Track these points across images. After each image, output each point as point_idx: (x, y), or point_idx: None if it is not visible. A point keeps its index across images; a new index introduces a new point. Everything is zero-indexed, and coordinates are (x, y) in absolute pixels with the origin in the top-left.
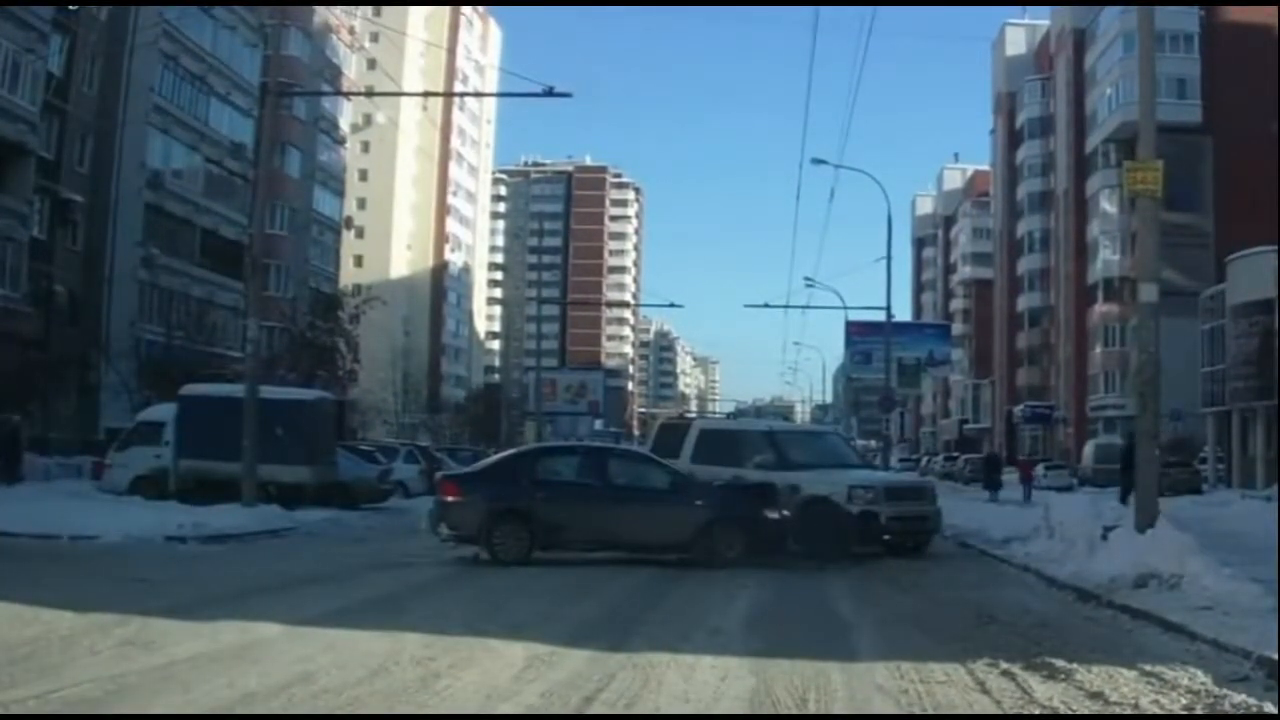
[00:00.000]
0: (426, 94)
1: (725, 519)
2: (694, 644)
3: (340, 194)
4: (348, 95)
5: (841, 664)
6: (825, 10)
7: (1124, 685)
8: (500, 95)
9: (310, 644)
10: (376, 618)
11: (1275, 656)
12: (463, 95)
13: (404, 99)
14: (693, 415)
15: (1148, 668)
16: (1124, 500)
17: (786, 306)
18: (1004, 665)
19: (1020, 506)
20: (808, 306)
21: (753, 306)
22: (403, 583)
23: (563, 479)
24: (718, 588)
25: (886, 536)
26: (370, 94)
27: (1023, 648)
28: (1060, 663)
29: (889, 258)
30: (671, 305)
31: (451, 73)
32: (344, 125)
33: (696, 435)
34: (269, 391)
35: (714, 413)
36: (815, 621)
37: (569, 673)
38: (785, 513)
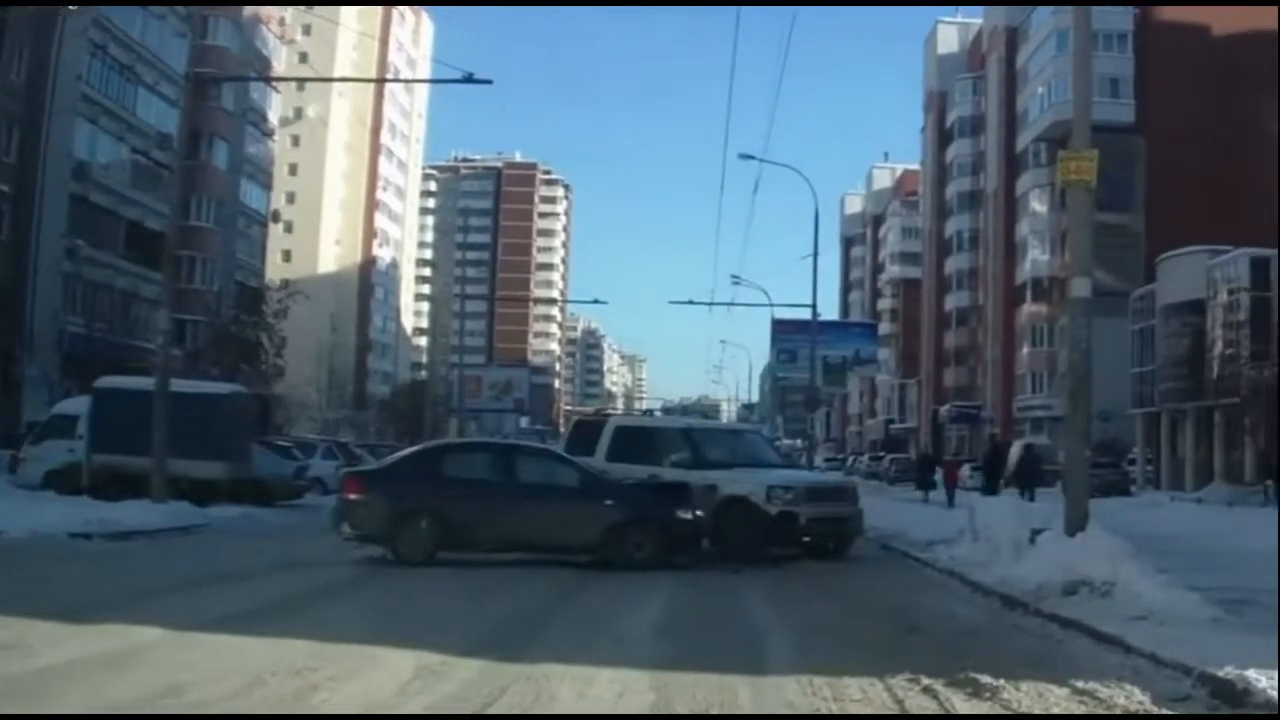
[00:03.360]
0: (344, 79)
1: (636, 519)
2: (596, 654)
3: (268, 187)
4: (267, 80)
5: (750, 678)
6: (756, 9)
7: (1054, 705)
8: (420, 81)
9: (193, 651)
10: (268, 623)
11: (1219, 673)
12: (382, 81)
13: (334, 96)
14: (609, 412)
15: (1080, 684)
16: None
17: (711, 304)
18: (925, 681)
19: (945, 509)
20: (731, 304)
21: (677, 303)
22: (304, 585)
23: (469, 477)
24: (627, 591)
25: (806, 538)
26: (288, 79)
27: (946, 661)
28: (986, 679)
29: (815, 255)
30: (596, 302)
31: (383, 66)
32: (273, 118)
33: (612, 433)
34: (182, 385)
35: (639, 411)
36: (726, 629)
37: (457, 685)
38: (700, 513)
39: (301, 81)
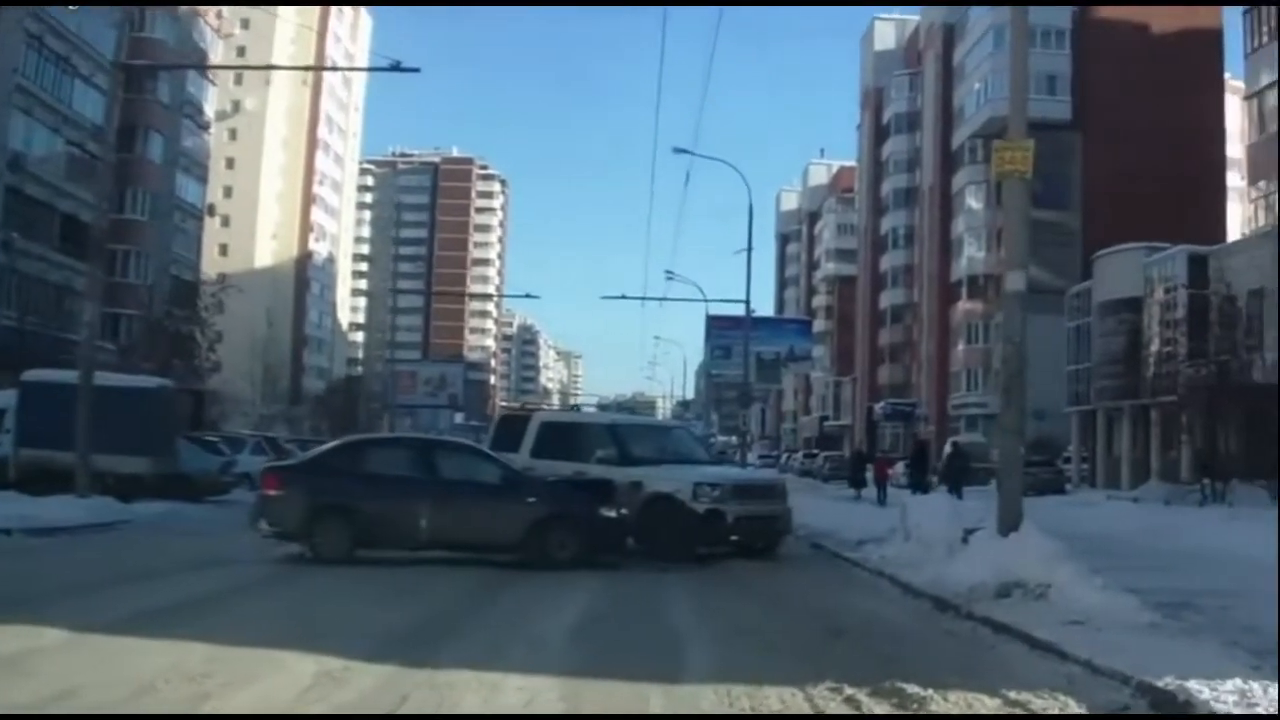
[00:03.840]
0: (270, 67)
1: (559, 517)
2: (507, 659)
3: (204, 181)
4: (197, 68)
5: (666, 686)
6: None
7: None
8: (348, 70)
9: (90, 654)
10: (174, 624)
11: (1158, 683)
12: (309, 69)
13: (272, 89)
14: (535, 407)
15: (1012, 695)
16: (920, 492)
17: (643, 299)
18: (848, 691)
19: (876, 507)
20: (664, 299)
21: (610, 298)
22: (217, 583)
23: (388, 473)
24: (547, 592)
25: (734, 537)
26: (216, 68)
27: (872, 668)
28: (912, 688)
29: (749, 250)
30: (528, 296)
31: (320, 59)
32: (209, 111)
33: (537, 428)
34: (108, 379)
35: (569, 406)
36: (646, 633)
37: (357, 693)
38: (624, 511)
39: (228, 69)
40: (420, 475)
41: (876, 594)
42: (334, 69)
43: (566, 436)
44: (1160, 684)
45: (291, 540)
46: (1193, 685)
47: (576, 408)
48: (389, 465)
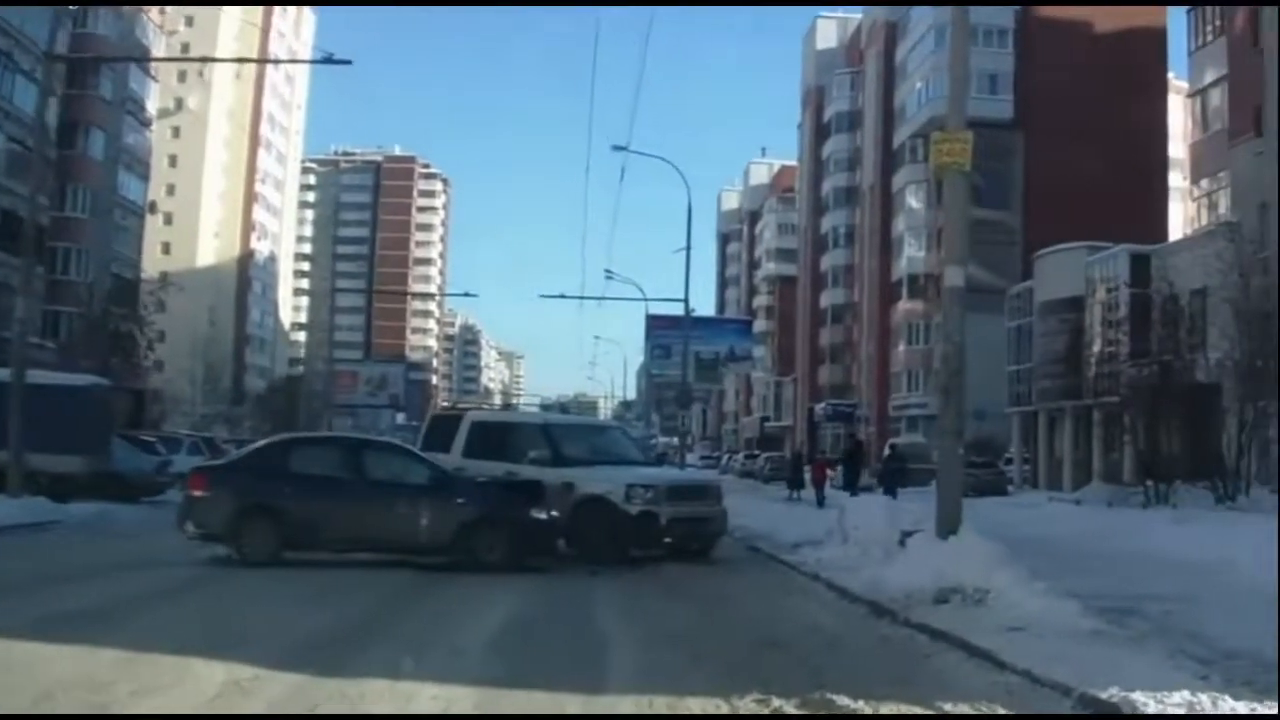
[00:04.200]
0: (202, 60)
1: (488, 519)
2: (425, 667)
3: (146, 178)
4: (129, 60)
5: (586, 696)
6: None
7: None
8: (278, 62)
9: None
10: (88, 628)
11: (1102, 695)
12: (240, 61)
13: (215, 87)
14: (466, 406)
15: (948, 708)
16: (853, 493)
17: (581, 297)
18: (775, 703)
19: (814, 508)
20: (602, 298)
21: (548, 297)
22: (139, 586)
23: (316, 473)
24: (474, 596)
25: (668, 539)
26: (149, 60)
27: (802, 678)
28: (843, 700)
29: (688, 249)
30: (466, 295)
31: (264, 56)
32: (151, 108)
33: (468, 428)
34: (41, 377)
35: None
36: (571, 639)
37: (265, 703)
38: (555, 513)
39: (161, 62)
40: (348, 476)
41: (811, 598)
42: (263, 61)
43: (498, 436)
44: (1104, 696)
45: (218, 542)
46: (1138, 697)
47: (509, 407)
48: (317, 465)
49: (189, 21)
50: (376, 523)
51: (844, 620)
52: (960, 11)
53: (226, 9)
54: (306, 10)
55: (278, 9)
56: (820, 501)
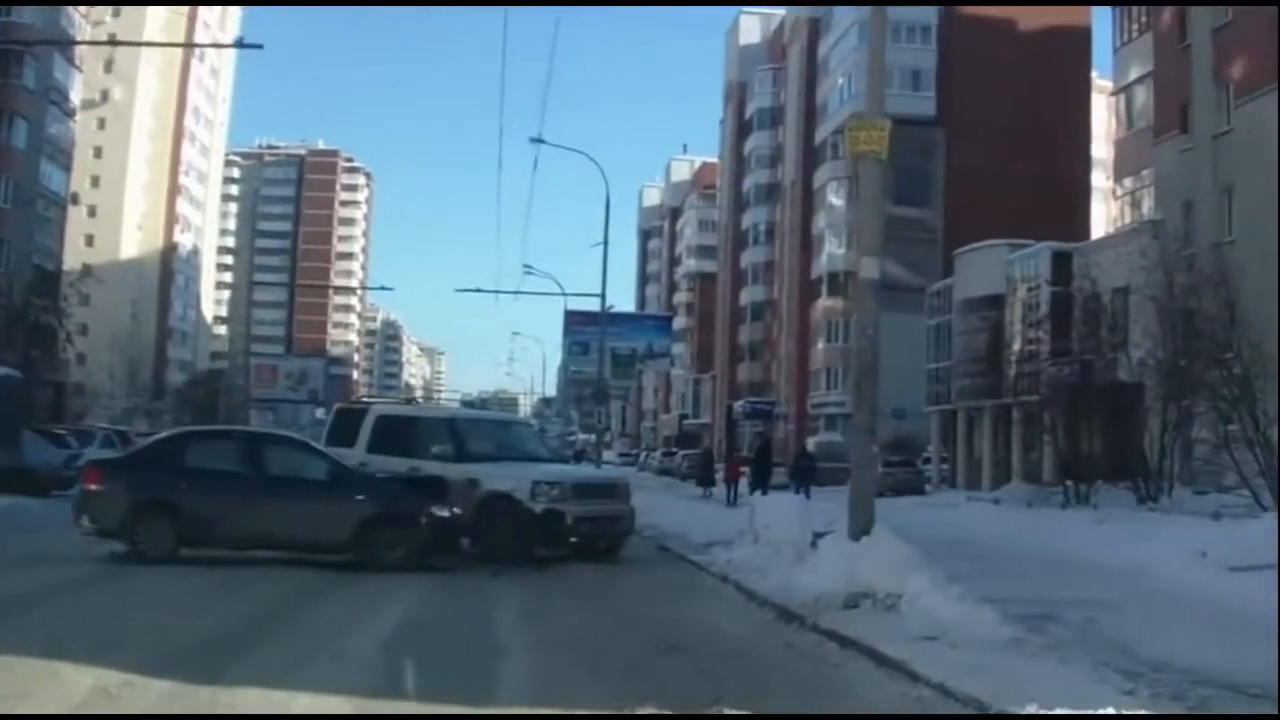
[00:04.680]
0: (112, 43)
1: (388, 516)
2: (307, 674)
3: (68, 169)
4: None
5: (471, 708)
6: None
7: None
8: (191, 46)
9: None
10: None
11: (1020, 712)
12: (147, 45)
13: (140, 78)
14: (371, 399)
15: None
16: (763, 492)
17: (496, 292)
18: (669, 715)
19: (726, 507)
20: (519, 292)
21: (464, 291)
22: (30, 584)
23: (213, 468)
24: (371, 597)
25: (574, 538)
26: (46, 44)
27: (702, 688)
28: (740, 713)
29: (606, 243)
30: (383, 289)
31: (189, 50)
32: (75, 98)
33: (373, 422)
34: None
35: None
36: (464, 645)
37: (132, 711)
38: (458, 510)
39: (57, 45)
40: (246, 471)
41: (719, 602)
42: (176, 45)
43: (403, 431)
44: (1023, 712)
45: (114, 538)
46: (1060, 714)
47: (413, 401)
48: (215, 460)
49: (115, 12)
50: (274, 520)
51: (751, 625)
52: (879, 10)
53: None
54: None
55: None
56: (731, 500)
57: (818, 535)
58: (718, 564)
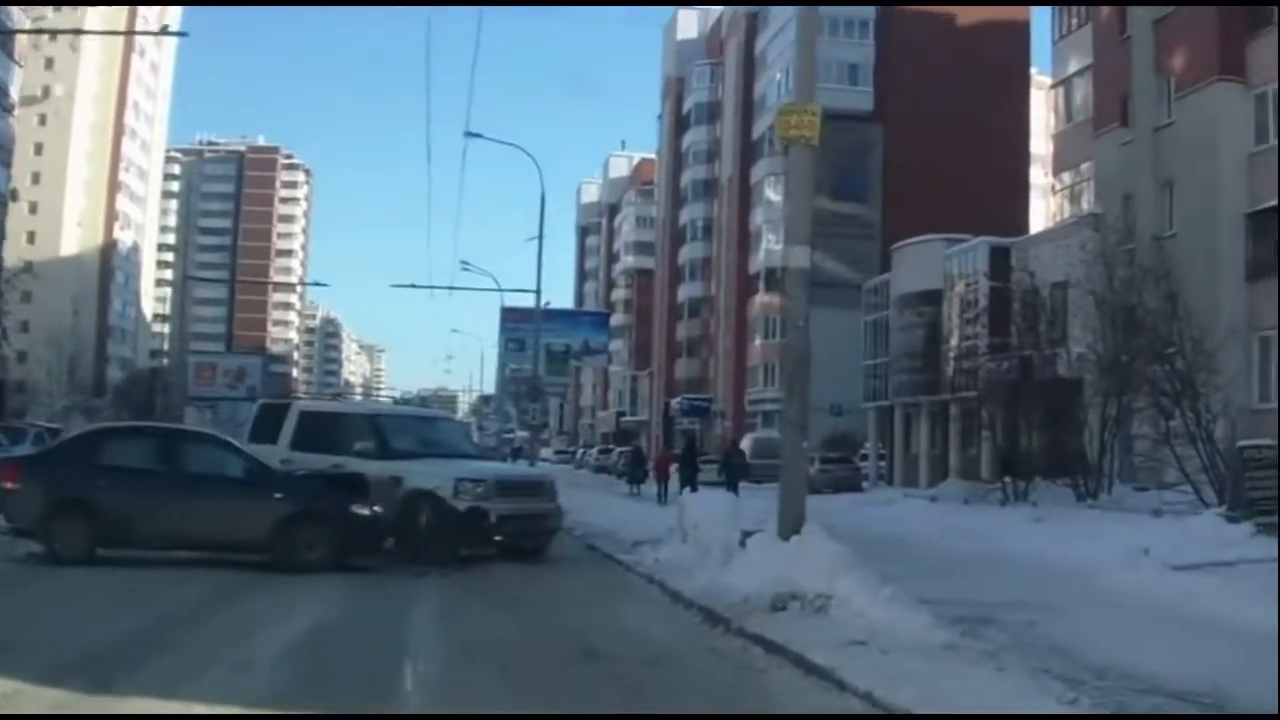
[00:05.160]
0: (36, 31)
1: (307, 515)
2: (201, 684)
3: (7, 164)
4: None
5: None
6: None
7: None
8: (115, 34)
9: None
10: None
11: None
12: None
13: (80, 76)
14: (297, 395)
15: None
16: (692, 489)
17: (431, 287)
18: None
19: (657, 505)
20: (452, 288)
21: (399, 286)
22: None
23: (131, 465)
24: (285, 599)
25: (498, 537)
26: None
27: (617, 696)
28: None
29: (540, 237)
30: (317, 284)
31: (129, 42)
32: (14, 93)
33: (296, 418)
34: None
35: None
36: (374, 651)
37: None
38: (379, 508)
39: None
40: (164, 469)
41: (644, 604)
42: (105, 34)
43: (326, 427)
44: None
45: (29, 538)
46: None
47: (338, 396)
48: (132, 457)
49: (55, 7)
50: (192, 519)
51: (675, 629)
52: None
53: None
54: None
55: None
56: (663, 498)
57: (747, 534)
58: (645, 564)
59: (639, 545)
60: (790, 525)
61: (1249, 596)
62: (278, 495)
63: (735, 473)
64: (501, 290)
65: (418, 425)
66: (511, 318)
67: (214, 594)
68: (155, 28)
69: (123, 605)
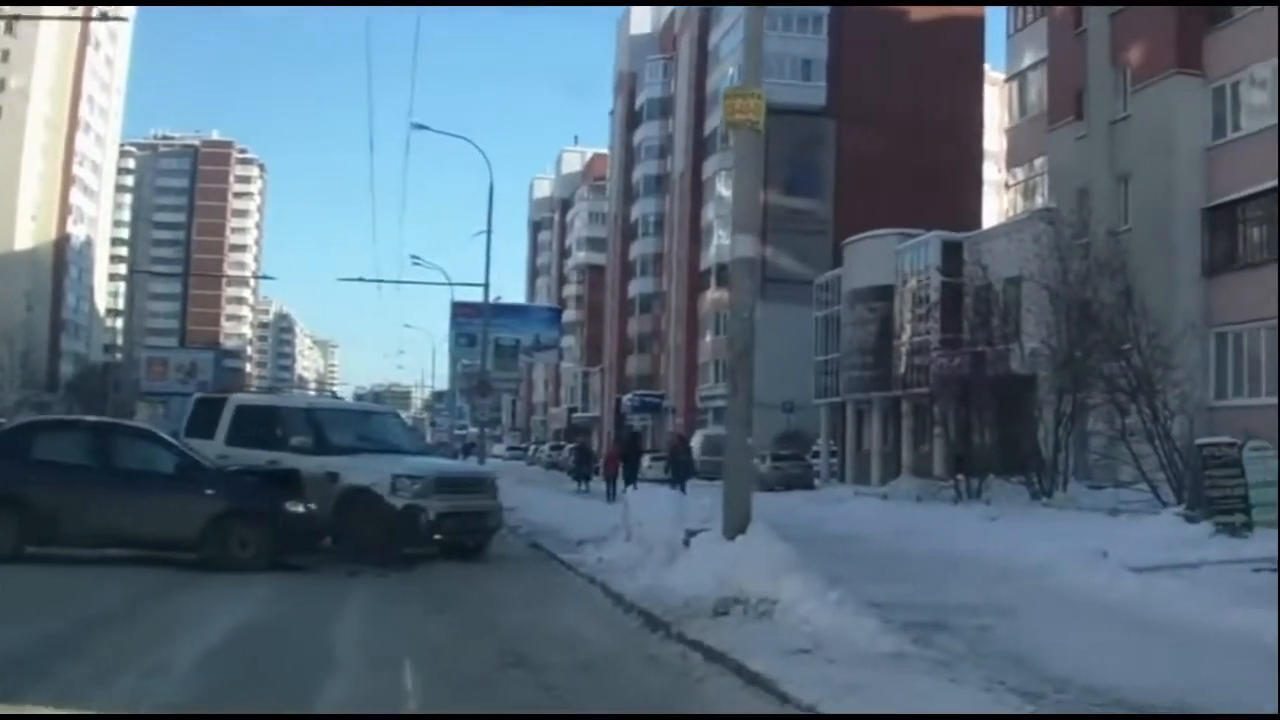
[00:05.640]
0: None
1: (239, 512)
2: (117, 689)
3: None
4: None
5: None
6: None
7: None
8: (54, 19)
9: None
10: None
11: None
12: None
13: (35, 69)
14: (236, 389)
15: None
16: (634, 486)
17: (379, 281)
18: None
19: (605, 503)
20: (399, 281)
21: (346, 280)
22: None
23: (60, 460)
24: (212, 599)
25: (437, 536)
26: None
27: (545, 707)
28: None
29: (489, 231)
30: (265, 277)
31: (85, 37)
32: None
33: (232, 412)
34: None
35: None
36: (295, 656)
37: None
38: (313, 506)
39: None
40: (95, 464)
41: (583, 606)
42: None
43: (262, 422)
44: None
45: None
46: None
47: (275, 390)
48: (62, 452)
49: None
50: (123, 515)
51: (612, 633)
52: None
53: None
54: None
55: None
56: (610, 495)
57: (691, 533)
58: (588, 563)
59: (583, 544)
60: (735, 524)
61: (1213, 601)
62: (209, 492)
63: (682, 469)
64: (451, 284)
65: (356, 419)
66: (462, 312)
67: (141, 594)
68: (108, 27)
69: (45, 606)
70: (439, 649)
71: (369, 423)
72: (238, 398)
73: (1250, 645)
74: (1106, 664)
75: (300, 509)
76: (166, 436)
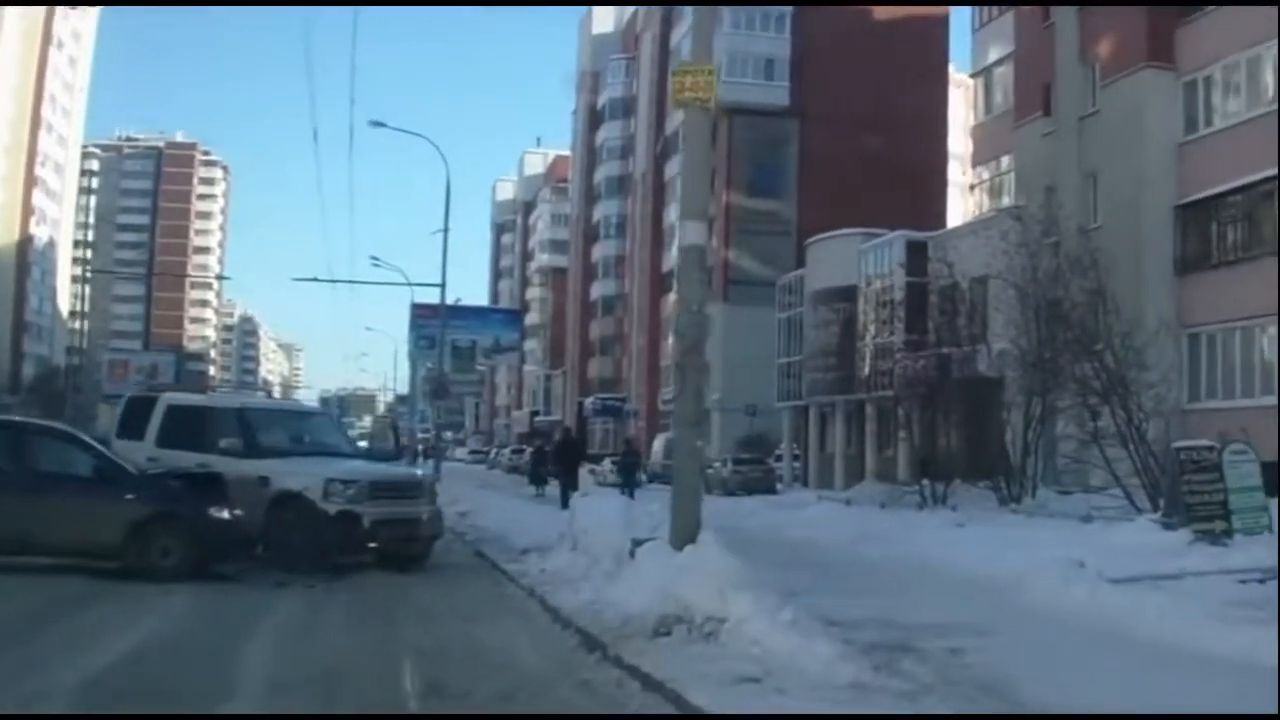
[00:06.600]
0: None
1: (161, 518)
2: None
3: None
4: None
5: None
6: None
7: None
8: (23, 4)
9: None
10: None
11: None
12: None
13: None
14: (165, 387)
15: None
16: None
17: (334, 281)
18: None
19: (559, 509)
20: (355, 281)
21: (301, 280)
22: None
23: None
24: (121, 613)
25: (372, 543)
26: None
27: None
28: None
29: (446, 230)
30: (220, 277)
31: (48, 34)
32: None
33: (163, 412)
34: None
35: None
36: (193, 678)
37: None
38: (239, 511)
39: None
40: (10, 466)
41: (519, 623)
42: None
43: (193, 422)
44: None
45: None
46: None
47: (211, 389)
48: None
49: None
50: (38, 521)
51: (545, 654)
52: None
53: None
54: None
55: None
56: (565, 500)
57: (638, 542)
58: (530, 574)
59: (527, 553)
60: (684, 534)
61: (1202, 616)
62: (129, 496)
63: (631, 472)
64: (410, 285)
65: (289, 420)
66: (420, 314)
67: (47, 607)
68: (76, 21)
69: None
70: (352, 672)
71: (302, 424)
72: (169, 397)
73: (1249, 669)
74: (1092, 689)
75: (225, 515)
76: (85, 437)
